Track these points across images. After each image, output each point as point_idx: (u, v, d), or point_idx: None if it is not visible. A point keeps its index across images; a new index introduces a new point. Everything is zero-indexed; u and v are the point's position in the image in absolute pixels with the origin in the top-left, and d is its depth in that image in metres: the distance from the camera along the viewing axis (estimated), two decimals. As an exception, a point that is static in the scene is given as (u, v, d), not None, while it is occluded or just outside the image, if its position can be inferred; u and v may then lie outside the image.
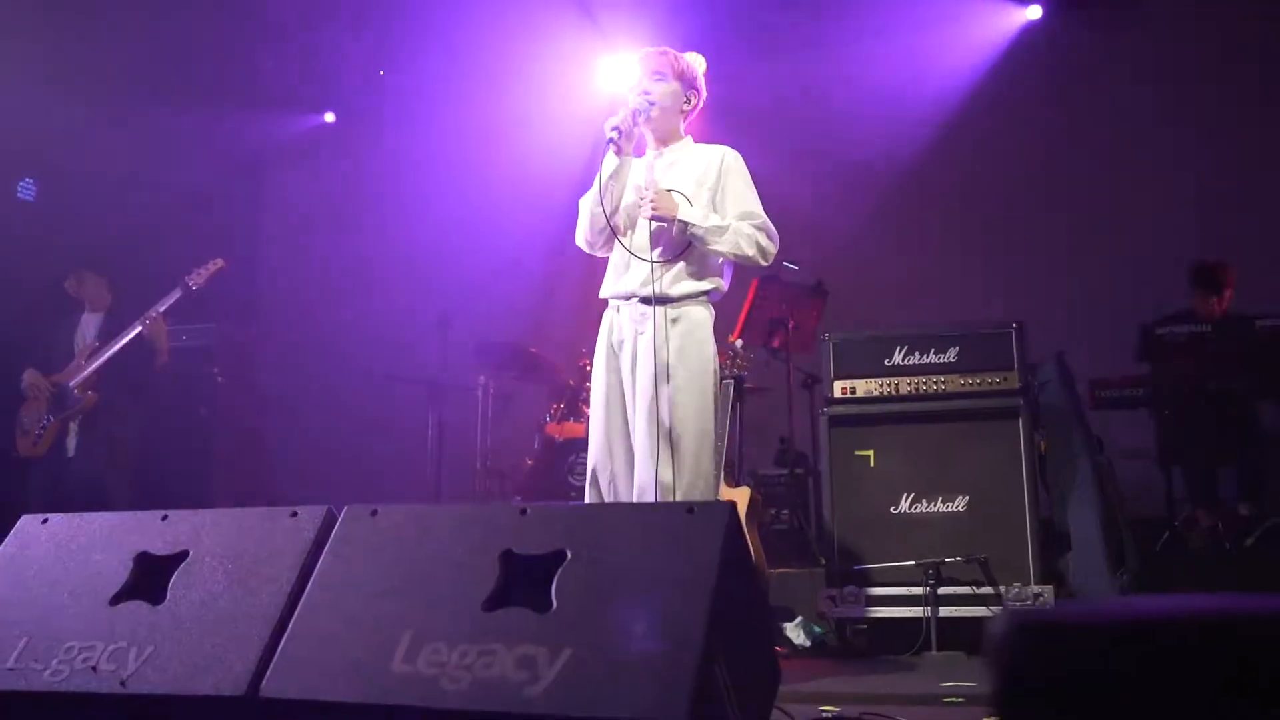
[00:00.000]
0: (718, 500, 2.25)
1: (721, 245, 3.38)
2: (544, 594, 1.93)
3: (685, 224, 3.35)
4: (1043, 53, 7.05)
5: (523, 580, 1.98)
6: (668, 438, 3.20)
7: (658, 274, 3.35)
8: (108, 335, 5.33)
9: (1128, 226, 6.62)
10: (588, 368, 6.45)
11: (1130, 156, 6.74)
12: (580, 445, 6.04)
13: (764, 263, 3.50)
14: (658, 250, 3.38)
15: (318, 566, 2.15)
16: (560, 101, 7.73)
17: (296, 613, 2.08)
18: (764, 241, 3.44)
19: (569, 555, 1.96)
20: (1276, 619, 0.61)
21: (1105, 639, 0.65)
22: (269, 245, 8.70)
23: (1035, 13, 7.16)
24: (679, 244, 3.41)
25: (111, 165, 6.71)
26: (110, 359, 5.25)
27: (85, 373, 5.22)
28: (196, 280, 5.30)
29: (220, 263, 5.36)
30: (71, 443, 5.30)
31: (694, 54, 3.62)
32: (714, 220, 3.40)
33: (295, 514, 2.25)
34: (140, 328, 5.18)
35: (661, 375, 3.25)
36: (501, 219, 7.72)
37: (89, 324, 5.48)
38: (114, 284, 5.55)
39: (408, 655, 1.92)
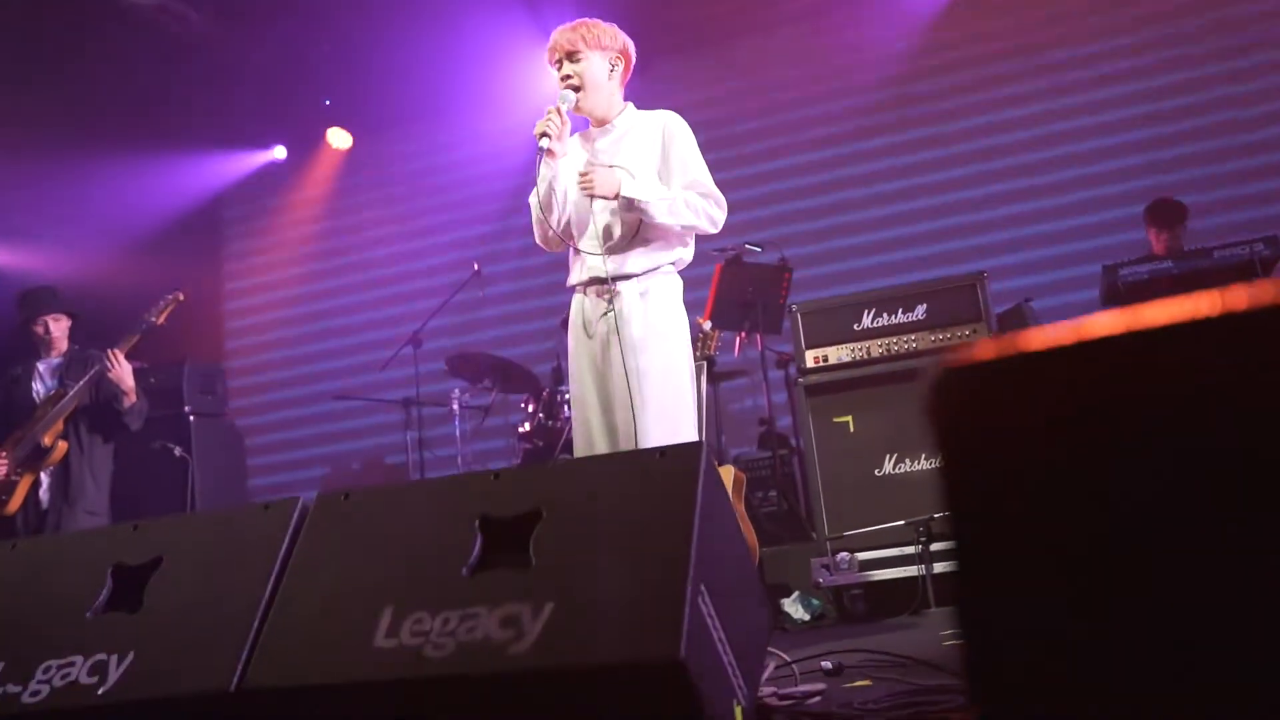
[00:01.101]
0: (689, 442, 2.24)
1: (668, 217, 3.27)
2: (523, 553, 1.90)
3: (629, 199, 3.26)
4: (980, 11, 7.08)
5: (502, 543, 1.95)
6: (652, 409, 3.17)
7: (620, 250, 3.32)
8: (68, 380, 5.22)
9: (1086, 171, 6.65)
10: (561, 370, 6.46)
11: (1086, 101, 6.75)
12: (562, 447, 6.02)
13: (713, 230, 3.38)
14: (613, 233, 3.34)
15: (294, 555, 2.11)
16: (512, 112, 7.71)
17: (275, 602, 2.05)
18: (712, 210, 3.34)
19: (544, 513, 1.94)
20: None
21: (1053, 363, 0.63)
22: (231, 281, 8.64)
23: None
24: (632, 222, 3.35)
25: (64, 215, 6.68)
26: (77, 405, 5.16)
27: (51, 422, 5.12)
28: (155, 316, 5.19)
29: (179, 296, 5.24)
30: (45, 495, 5.20)
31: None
32: (659, 192, 3.31)
33: (267, 507, 2.21)
34: (101, 369, 5.06)
35: (637, 349, 3.23)
36: (461, 230, 7.70)
37: (45, 371, 5.38)
38: (73, 329, 5.45)
39: (390, 629, 1.89)
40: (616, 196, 3.27)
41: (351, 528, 2.11)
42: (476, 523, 1.98)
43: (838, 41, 7.33)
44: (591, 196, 3.29)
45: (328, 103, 8.45)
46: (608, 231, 3.34)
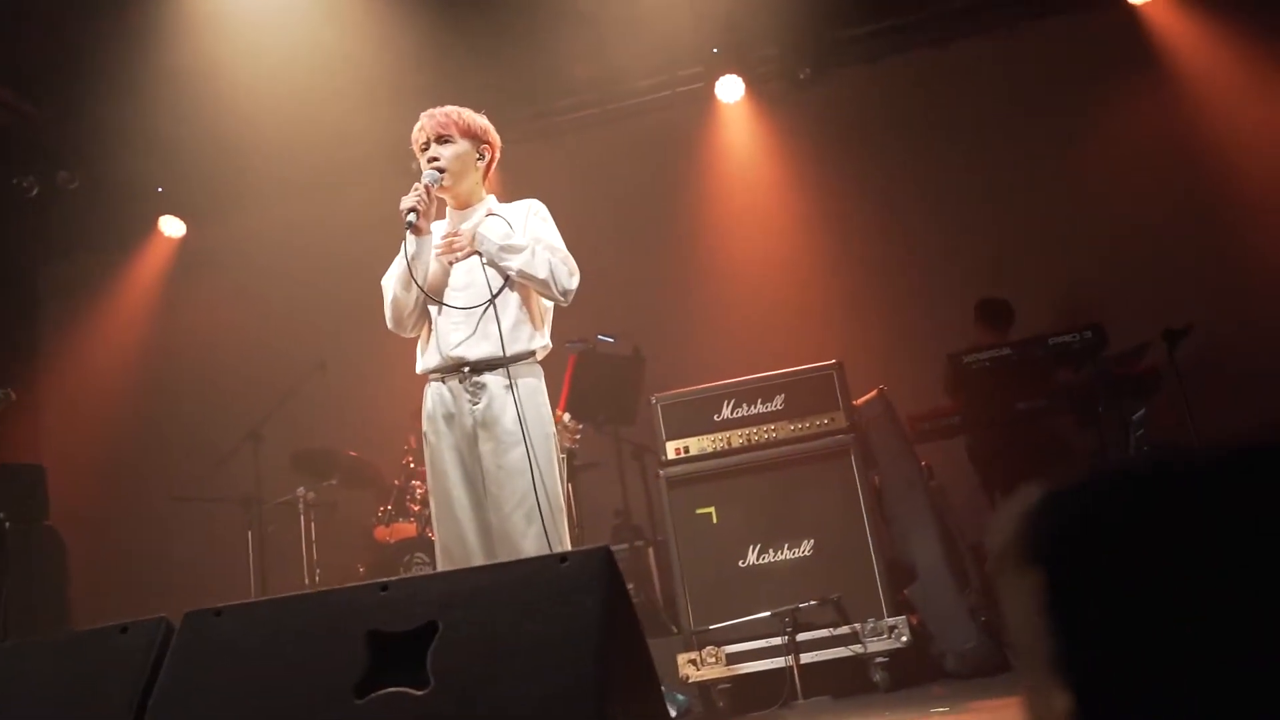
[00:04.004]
0: (593, 547, 2.15)
1: (515, 262, 3.26)
2: (419, 671, 1.79)
3: (488, 250, 3.28)
4: (819, 110, 7.35)
5: (395, 660, 1.83)
6: (526, 507, 3.08)
7: (486, 336, 3.25)
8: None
9: (925, 264, 6.91)
10: (411, 465, 6.27)
11: (925, 201, 7.03)
12: (413, 544, 5.83)
13: (559, 297, 3.34)
14: (477, 307, 3.28)
15: (158, 685, 1.93)
16: (360, 197, 7.58)
17: (138, 739, 1.86)
18: (559, 270, 3.29)
19: (441, 626, 1.83)
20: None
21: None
22: (49, 378, 8.11)
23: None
24: (494, 288, 3.29)
25: None
26: None
27: None
28: None
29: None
30: None
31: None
32: (511, 240, 3.30)
33: (125, 629, 2.03)
34: None
35: (507, 445, 3.14)
36: (303, 321, 7.45)
37: None
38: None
39: (273, 762, 1.74)
40: (471, 243, 3.30)
41: (225, 649, 1.94)
42: (364, 639, 1.85)
43: (685, 133, 7.52)
44: (454, 256, 3.28)
45: (160, 190, 8.13)
46: (470, 297, 3.29)
